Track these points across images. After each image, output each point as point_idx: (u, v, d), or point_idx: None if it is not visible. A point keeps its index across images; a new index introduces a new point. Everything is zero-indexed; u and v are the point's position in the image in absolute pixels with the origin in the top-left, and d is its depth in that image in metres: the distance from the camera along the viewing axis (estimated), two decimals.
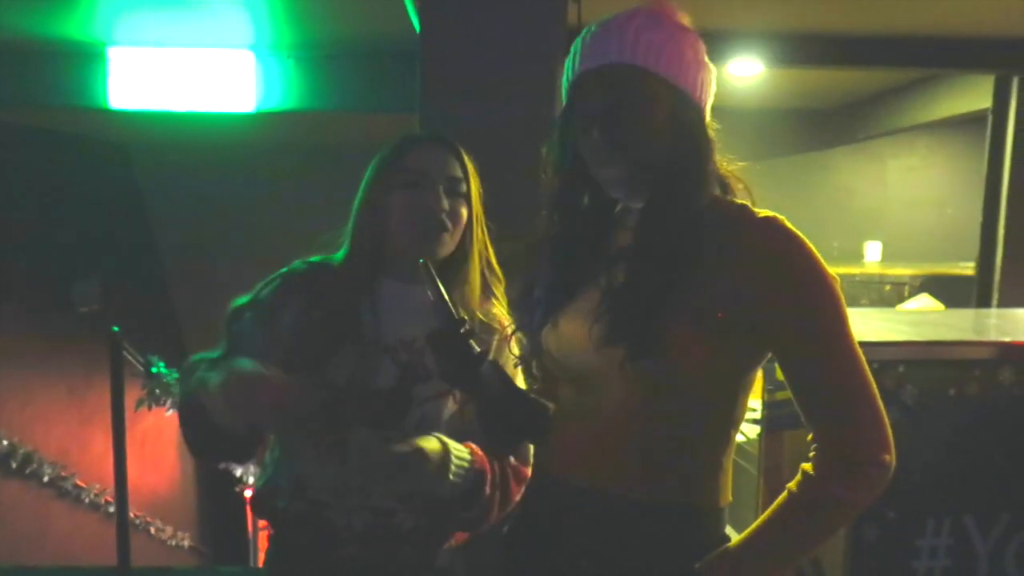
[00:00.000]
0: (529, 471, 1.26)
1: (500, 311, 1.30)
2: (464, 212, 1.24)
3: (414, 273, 1.23)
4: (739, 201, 1.09)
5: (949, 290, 4.44)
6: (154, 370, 3.60)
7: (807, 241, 1.01)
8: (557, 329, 1.14)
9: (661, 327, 1.00)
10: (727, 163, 1.11)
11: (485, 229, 1.29)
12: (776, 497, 1.06)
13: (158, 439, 6.28)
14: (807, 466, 1.02)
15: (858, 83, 4.36)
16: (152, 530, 6.21)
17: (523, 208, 1.32)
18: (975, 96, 3.71)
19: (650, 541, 1.07)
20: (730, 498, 1.12)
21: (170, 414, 3.95)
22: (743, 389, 1.08)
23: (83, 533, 5.51)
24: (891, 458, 0.99)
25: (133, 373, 3.59)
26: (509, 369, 1.23)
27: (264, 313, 1.22)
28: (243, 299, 1.25)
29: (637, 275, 1.04)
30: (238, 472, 4.60)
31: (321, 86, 4.16)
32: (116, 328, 3.28)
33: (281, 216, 5.88)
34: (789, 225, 1.03)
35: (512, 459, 1.26)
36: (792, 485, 1.03)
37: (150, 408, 3.68)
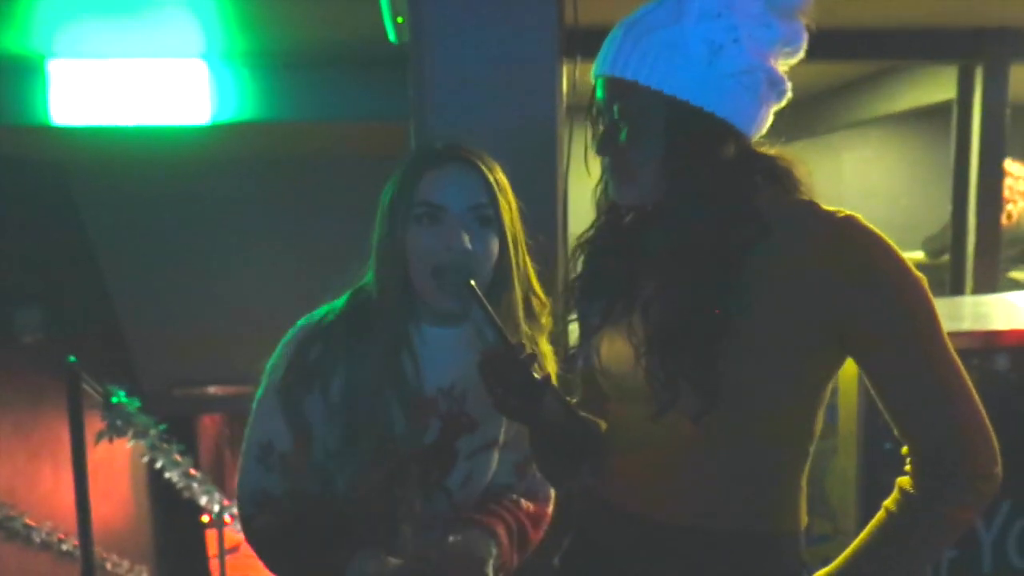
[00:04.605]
0: (548, 509, 1.19)
1: (543, 343, 1.19)
2: (494, 242, 1.09)
3: (444, 314, 1.10)
4: (805, 198, 1.01)
5: None
6: (114, 400, 3.40)
7: (890, 240, 0.94)
8: (609, 344, 1.06)
9: (728, 375, 0.92)
10: (777, 150, 1.02)
11: (525, 250, 1.15)
12: None
13: (110, 470, 6.02)
14: (904, 482, 0.95)
15: (818, 77, 4.41)
16: (108, 565, 5.95)
17: (529, 215, 1.25)
18: (938, 87, 3.77)
19: (732, 574, 1.00)
20: (806, 519, 1.04)
21: (131, 445, 3.75)
22: (823, 401, 1.01)
23: (36, 574, 5.24)
24: (1000, 470, 0.92)
25: (89, 405, 3.41)
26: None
27: (315, 383, 1.09)
28: (275, 361, 1.12)
29: (682, 317, 0.94)
30: (203, 500, 4.39)
31: (280, 96, 4.02)
32: (73, 358, 3.09)
33: (238, 233, 5.69)
34: (868, 223, 0.95)
35: (529, 505, 1.18)
36: (890, 504, 0.95)
37: (111, 441, 3.47)
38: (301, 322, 1.15)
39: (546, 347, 1.19)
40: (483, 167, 1.10)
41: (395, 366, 1.09)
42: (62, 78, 3.99)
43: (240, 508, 1.13)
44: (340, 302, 1.15)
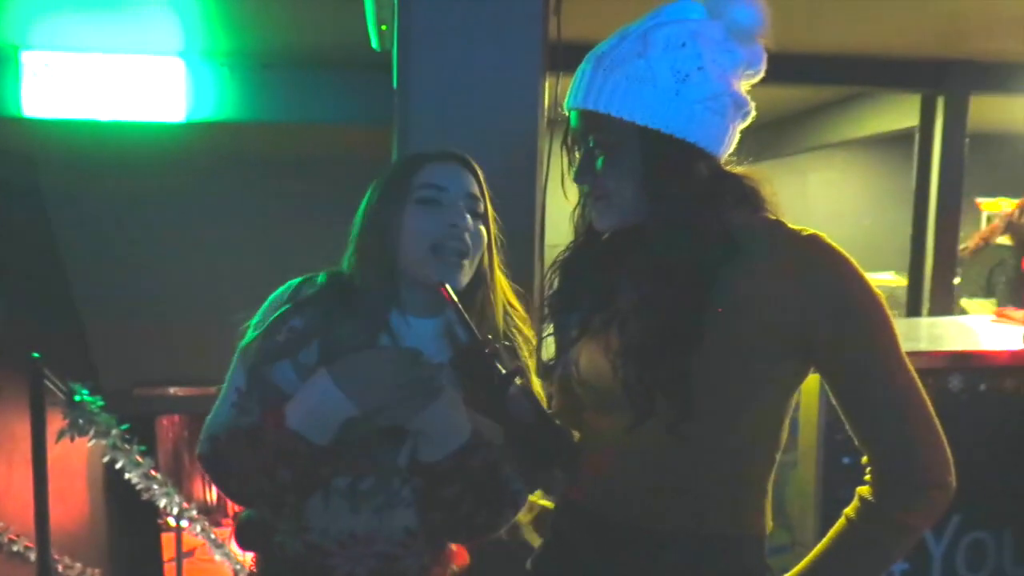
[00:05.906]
0: (520, 501, 1.22)
1: (526, 331, 1.23)
2: (484, 234, 1.15)
3: (424, 304, 1.14)
4: (772, 217, 1.06)
5: None
6: (77, 398, 3.34)
7: (852, 258, 0.99)
8: (588, 356, 1.10)
9: (700, 385, 0.96)
10: (744, 168, 1.07)
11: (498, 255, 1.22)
12: None
13: (64, 470, 5.87)
14: (864, 490, 0.99)
15: (788, 101, 4.53)
16: (60, 567, 5.79)
17: (508, 226, 1.28)
18: (901, 114, 3.90)
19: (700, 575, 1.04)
20: (771, 524, 1.09)
21: (91, 444, 3.69)
22: (789, 409, 1.06)
23: None
24: (953, 479, 0.97)
25: (49, 402, 3.34)
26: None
27: (284, 356, 1.11)
28: (252, 333, 1.13)
29: (658, 332, 0.98)
30: (162, 503, 4.33)
31: (258, 96, 4.00)
32: (37, 355, 3.04)
33: (206, 234, 5.61)
34: (832, 242, 1.00)
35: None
36: (850, 511, 1.00)
37: (72, 439, 3.41)
38: (288, 284, 1.17)
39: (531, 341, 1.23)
40: (475, 166, 1.18)
41: (375, 343, 1.11)
42: (35, 69, 3.93)
43: (206, 439, 1.12)
44: (320, 278, 1.17)
